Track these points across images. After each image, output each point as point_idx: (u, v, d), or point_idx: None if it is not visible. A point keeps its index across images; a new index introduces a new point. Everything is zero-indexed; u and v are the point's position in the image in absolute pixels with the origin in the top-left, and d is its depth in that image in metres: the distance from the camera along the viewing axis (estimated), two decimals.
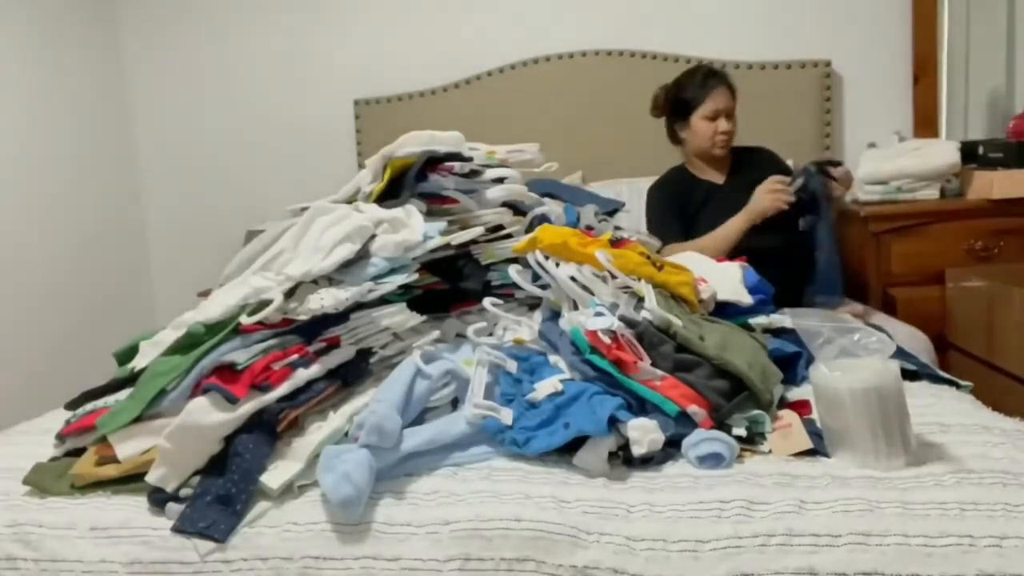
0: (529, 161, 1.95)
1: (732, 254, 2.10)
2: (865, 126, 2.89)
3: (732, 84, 2.39)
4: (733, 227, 2.23)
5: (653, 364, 1.32)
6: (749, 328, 1.60)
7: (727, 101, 2.35)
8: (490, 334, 1.54)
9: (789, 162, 2.51)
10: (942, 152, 2.57)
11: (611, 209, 2.09)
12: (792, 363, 1.52)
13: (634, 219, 2.47)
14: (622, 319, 1.38)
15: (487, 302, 1.54)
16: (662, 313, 1.43)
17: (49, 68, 3.03)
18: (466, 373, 1.38)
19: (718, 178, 2.43)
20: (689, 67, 2.50)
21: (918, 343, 2.06)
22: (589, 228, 1.84)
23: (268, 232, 1.66)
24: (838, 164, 2.28)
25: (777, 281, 1.90)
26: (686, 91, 2.39)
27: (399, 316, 1.46)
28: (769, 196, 2.19)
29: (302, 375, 1.30)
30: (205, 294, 1.58)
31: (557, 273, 1.48)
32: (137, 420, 1.25)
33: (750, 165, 2.40)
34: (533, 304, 1.63)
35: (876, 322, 1.96)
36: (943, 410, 1.35)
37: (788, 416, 1.29)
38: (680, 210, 2.38)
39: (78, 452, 1.32)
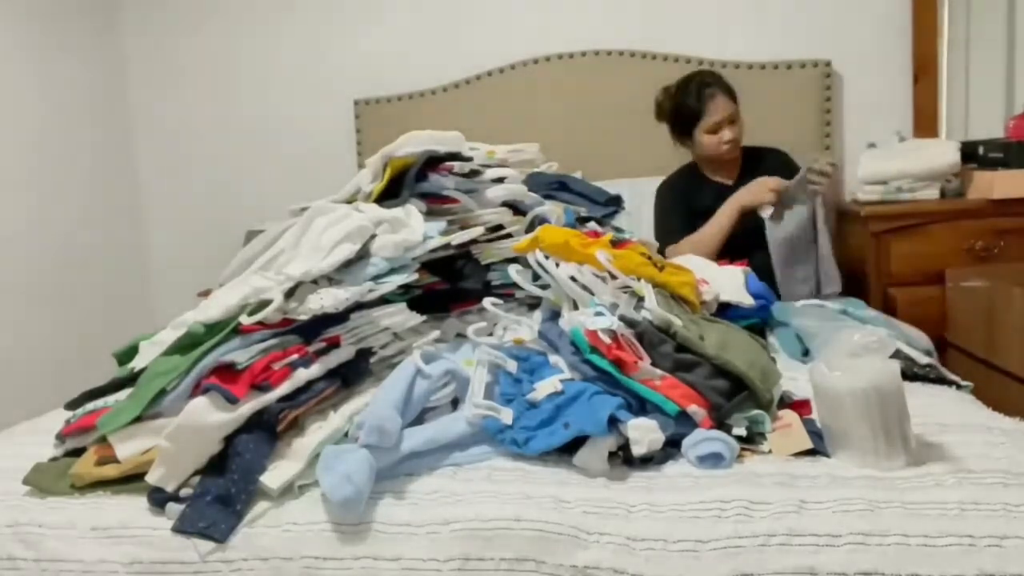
0: (529, 161, 1.95)
1: (742, 252, 2.12)
2: (865, 126, 2.88)
3: (729, 87, 2.37)
4: (721, 216, 2.27)
5: (653, 364, 1.32)
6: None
7: (727, 109, 2.33)
8: (490, 334, 1.53)
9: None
10: (942, 152, 2.56)
11: (607, 199, 2.09)
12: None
13: (634, 219, 2.47)
14: (622, 319, 1.38)
15: (487, 302, 1.53)
16: (662, 313, 1.43)
17: (49, 68, 3.02)
18: (466, 373, 1.38)
19: (728, 180, 2.44)
20: (685, 75, 2.46)
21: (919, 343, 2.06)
22: (595, 224, 1.85)
23: (268, 232, 1.66)
24: (825, 172, 2.26)
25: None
26: (685, 106, 2.37)
27: (399, 316, 1.46)
28: (756, 188, 2.24)
29: (302, 375, 1.29)
30: (205, 294, 1.58)
31: (557, 273, 1.48)
32: (137, 420, 1.25)
33: (762, 167, 2.40)
34: (533, 304, 1.63)
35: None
36: (943, 410, 1.35)
37: (788, 416, 1.29)
38: (686, 210, 2.39)
39: (78, 452, 1.32)
